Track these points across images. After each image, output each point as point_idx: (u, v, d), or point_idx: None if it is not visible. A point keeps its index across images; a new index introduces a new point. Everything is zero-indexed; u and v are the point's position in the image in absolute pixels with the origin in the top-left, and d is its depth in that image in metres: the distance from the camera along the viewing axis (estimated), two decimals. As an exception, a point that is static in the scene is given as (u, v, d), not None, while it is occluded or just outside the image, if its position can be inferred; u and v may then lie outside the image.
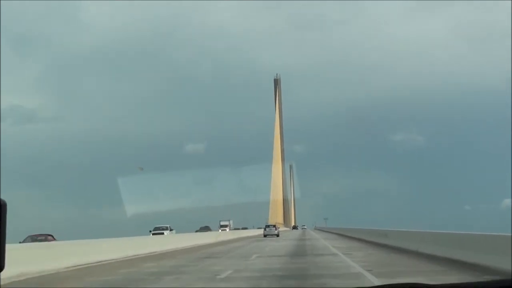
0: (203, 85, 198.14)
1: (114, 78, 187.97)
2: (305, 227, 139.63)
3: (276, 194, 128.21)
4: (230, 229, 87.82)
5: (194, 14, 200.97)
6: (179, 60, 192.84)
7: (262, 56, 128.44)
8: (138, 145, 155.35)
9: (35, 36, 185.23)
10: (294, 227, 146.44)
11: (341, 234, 58.28)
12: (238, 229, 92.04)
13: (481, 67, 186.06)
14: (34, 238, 31.46)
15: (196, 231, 66.52)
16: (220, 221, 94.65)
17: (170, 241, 35.54)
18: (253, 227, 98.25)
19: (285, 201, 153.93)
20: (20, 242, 27.40)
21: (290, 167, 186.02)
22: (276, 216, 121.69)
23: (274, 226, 69.35)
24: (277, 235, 61.31)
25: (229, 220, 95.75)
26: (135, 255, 24.72)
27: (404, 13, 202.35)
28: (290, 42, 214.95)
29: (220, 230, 77.99)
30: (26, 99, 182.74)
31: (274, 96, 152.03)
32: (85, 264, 19.61)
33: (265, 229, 65.45)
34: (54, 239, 31.73)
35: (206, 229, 73.10)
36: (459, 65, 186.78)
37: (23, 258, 15.98)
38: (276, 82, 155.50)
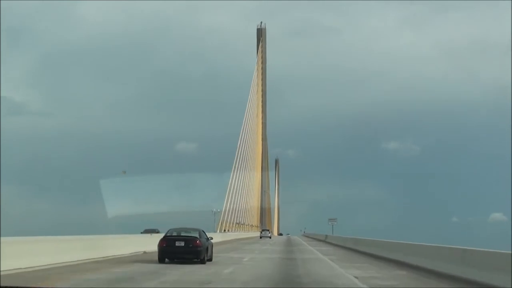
0: (190, 87, 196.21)
1: (103, 77, 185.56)
2: (289, 234, 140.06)
3: (249, 198, 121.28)
4: None
5: (186, 15, 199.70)
6: (168, 61, 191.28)
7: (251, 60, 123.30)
8: (122, 144, 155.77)
9: (27, 30, 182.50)
10: (280, 234, 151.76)
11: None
12: None
13: (464, 81, 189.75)
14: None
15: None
16: None
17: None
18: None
19: (263, 207, 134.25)
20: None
21: (276, 162, 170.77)
22: (246, 218, 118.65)
23: (268, 230, 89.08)
24: (270, 237, 77.27)
25: None
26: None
27: (397, 25, 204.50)
28: (282, 48, 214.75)
29: None
30: (15, 92, 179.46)
31: (256, 52, 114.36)
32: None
33: (261, 232, 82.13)
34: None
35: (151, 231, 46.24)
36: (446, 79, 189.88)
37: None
38: (260, 33, 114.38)
